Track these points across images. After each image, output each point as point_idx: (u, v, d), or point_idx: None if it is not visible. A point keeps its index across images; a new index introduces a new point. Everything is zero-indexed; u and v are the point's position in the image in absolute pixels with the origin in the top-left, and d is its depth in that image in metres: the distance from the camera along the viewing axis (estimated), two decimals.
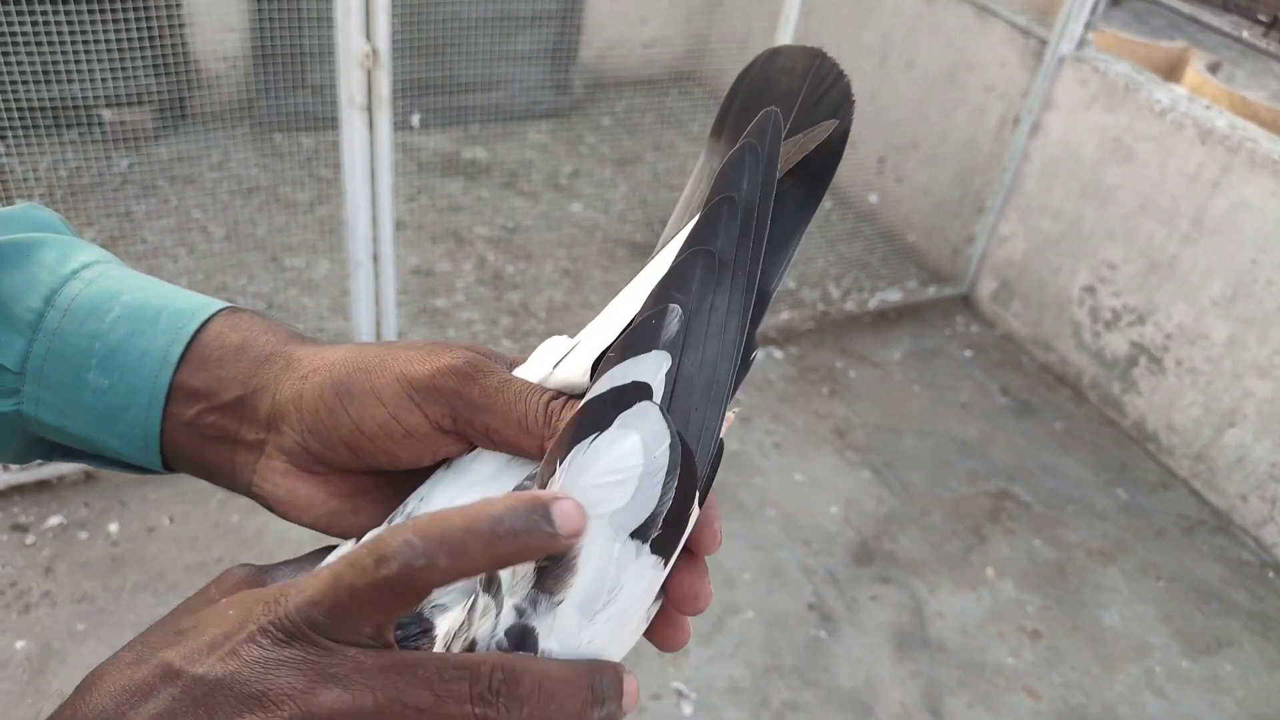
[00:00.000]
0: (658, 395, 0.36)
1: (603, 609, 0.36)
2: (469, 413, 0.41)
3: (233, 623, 0.35)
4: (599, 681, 0.36)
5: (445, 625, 0.36)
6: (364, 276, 2.50)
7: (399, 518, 0.42)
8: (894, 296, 3.67)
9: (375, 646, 0.34)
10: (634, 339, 0.38)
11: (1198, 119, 2.90)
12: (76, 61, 2.65)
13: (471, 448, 0.43)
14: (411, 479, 0.44)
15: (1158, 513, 2.96)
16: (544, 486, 0.37)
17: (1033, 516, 2.86)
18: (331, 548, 0.44)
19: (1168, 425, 3.11)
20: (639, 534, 0.36)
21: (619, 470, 0.35)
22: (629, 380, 0.37)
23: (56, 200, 3.30)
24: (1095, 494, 2.98)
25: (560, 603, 0.35)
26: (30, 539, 2.32)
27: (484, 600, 0.35)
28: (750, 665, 2.31)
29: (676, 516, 0.36)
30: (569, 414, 0.39)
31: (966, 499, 2.89)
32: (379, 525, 0.43)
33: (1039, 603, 2.60)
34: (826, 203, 4.11)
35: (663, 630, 0.41)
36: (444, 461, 0.44)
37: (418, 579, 0.32)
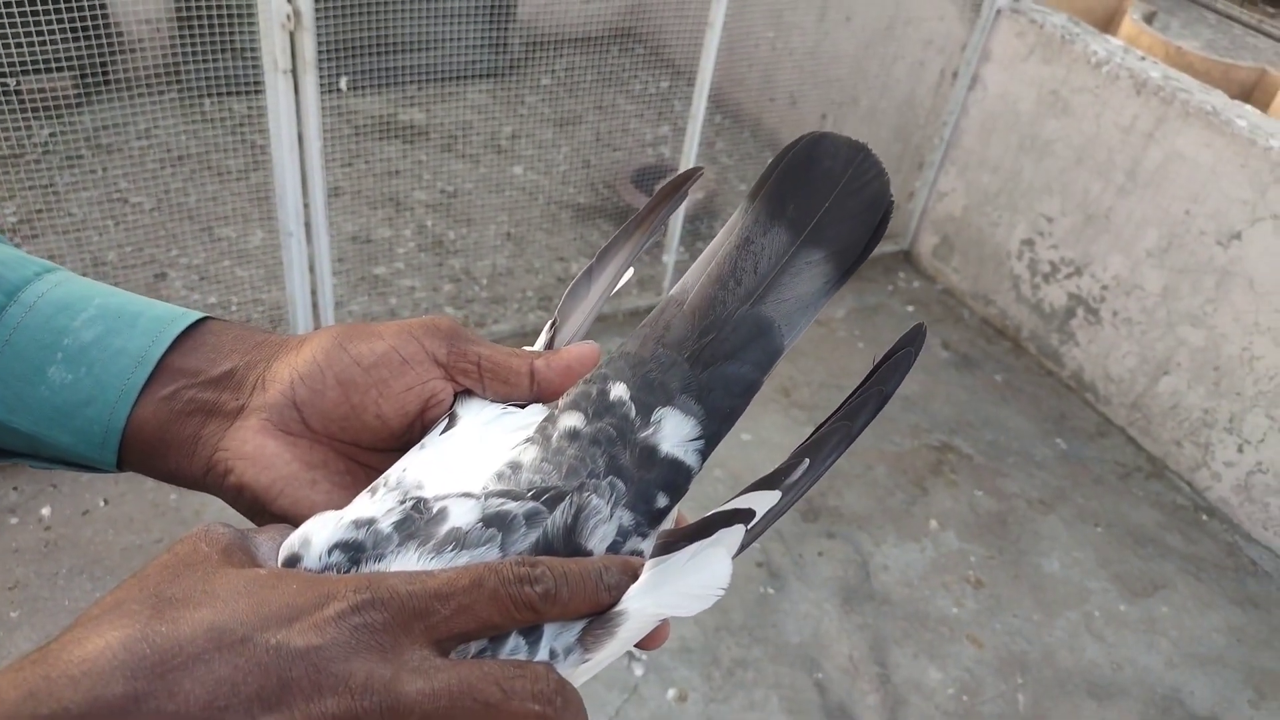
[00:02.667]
0: (755, 519, 0.41)
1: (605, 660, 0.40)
2: (463, 344, 0.46)
3: (306, 597, 0.34)
4: None
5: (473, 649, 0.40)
6: (296, 246, 2.44)
7: (381, 489, 0.42)
8: None
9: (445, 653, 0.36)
10: (778, 475, 0.42)
11: (1133, 70, 2.92)
12: None
13: (452, 400, 0.47)
14: (371, 467, 0.46)
15: (1095, 461, 3.02)
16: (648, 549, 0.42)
17: (974, 468, 2.91)
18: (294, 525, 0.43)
19: (1105, 375, 3.17)
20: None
21: (710, 589, 0.39)
22: (748, 507, 0.41)
23: None
24: (1035, 444, 3.04)
25: (588, 661, 0.39)
26: None
27: (514, 641, 0.38)
28: (700, 624, 2.33)
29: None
30: (556, 361, 0.47)
31: (909, 453, 2.93)
32: (330, 503, 0.44)
33: (981, 553, 2.65)
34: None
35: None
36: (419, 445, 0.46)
37: (549, 606, 0.36)
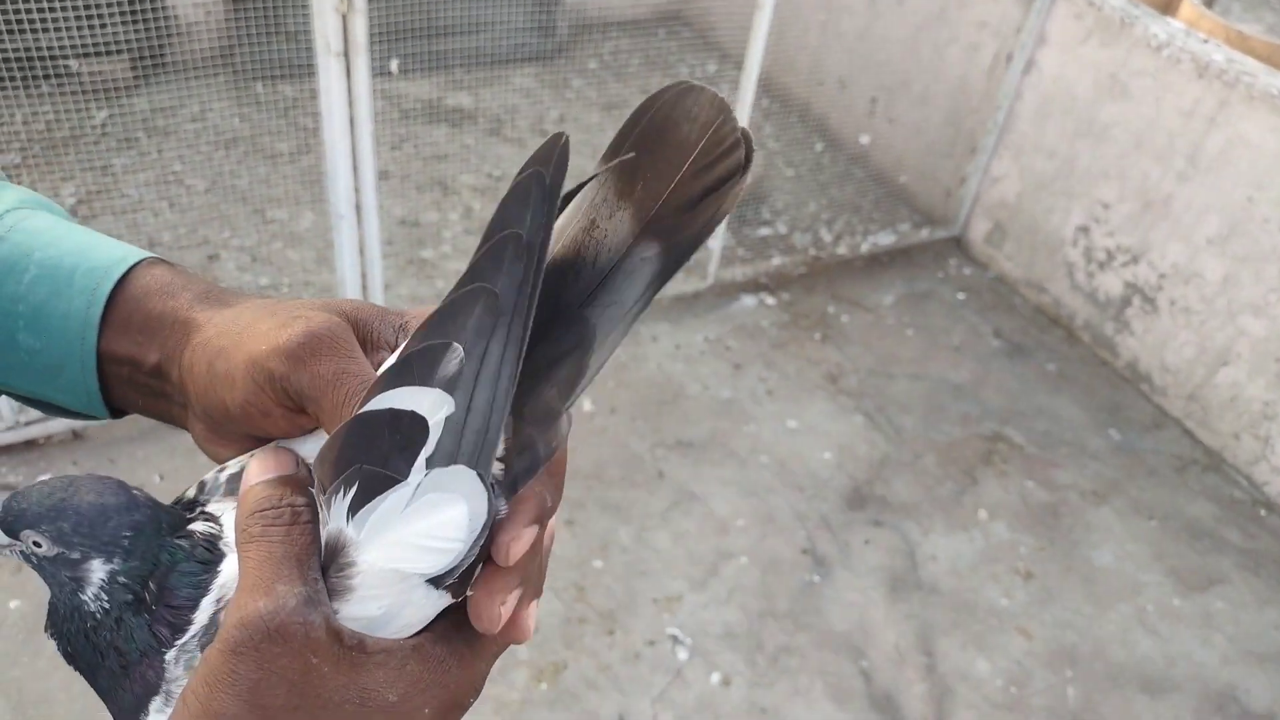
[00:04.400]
0: (433, 438, 0.34)
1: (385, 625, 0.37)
2: (299, 400, 0.40)
3: None
4: None
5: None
6: (347, 229, 2.45)
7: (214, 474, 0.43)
8: (886, 240, 3.64)
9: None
10: (411, 366, 0.35)
11: (1195, 53, 2.84)
12: (51, 11, 2.58)
13: None
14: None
15: (1150, 453, 2.96)
16: (325, 508, 0.36)
17: (1025, 458, 2.86)
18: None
19: (1161, 365, 3.10)
20: (434, 581, 0.36)
21: (439, 539, 0.35)
22: (407, 409, 0.35)
23: (34, 154, 3.24)
24: (1088, 435, 2.98)
25: (342, 616, 0.36)
26: None
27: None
28: (745, 610, 2.32)
29: (471, 571, 0.36)
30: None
31: (959, 442, 2.89)
32: None
33: (1031, 544, 2.61)
34: (818, 145, 4.04)
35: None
36: None
37: None
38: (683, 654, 2.21)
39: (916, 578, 2.48)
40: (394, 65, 3.20)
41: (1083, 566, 2.57)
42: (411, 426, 0.34)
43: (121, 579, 0.40)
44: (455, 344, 0.35)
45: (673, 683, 2.16)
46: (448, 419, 0.35)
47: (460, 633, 0.38)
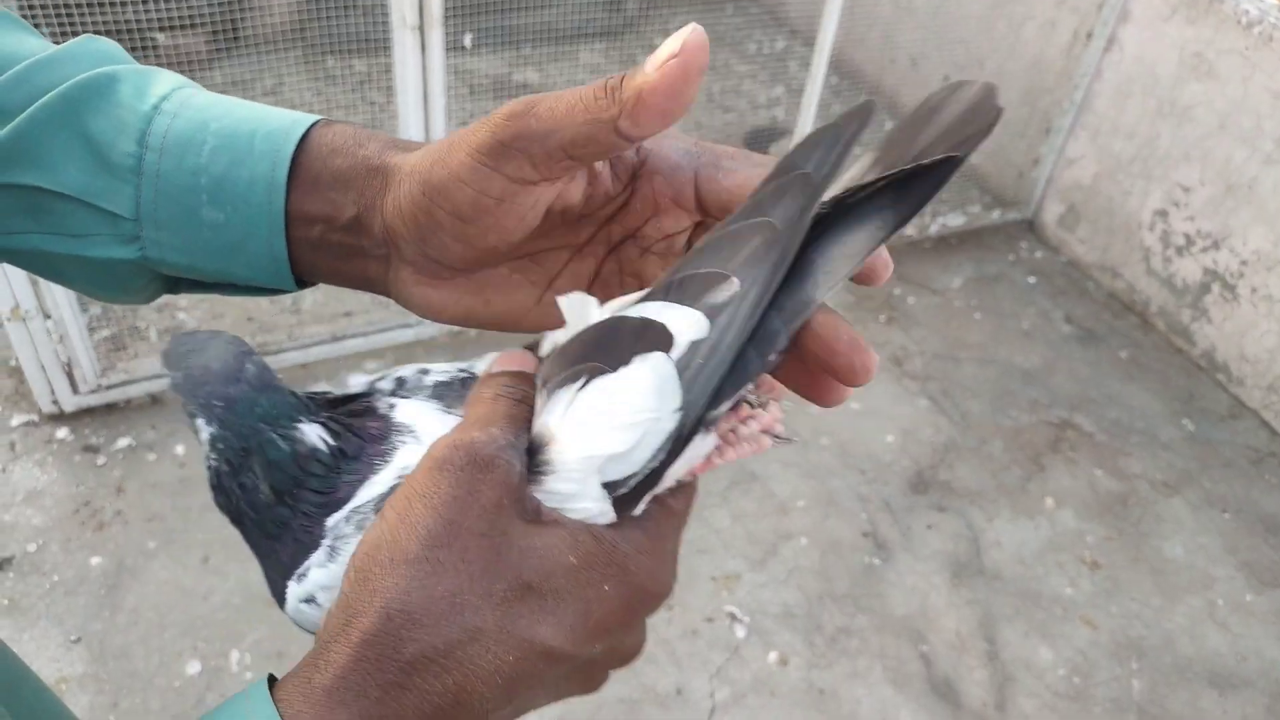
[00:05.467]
0: (676, 354, 0.35)
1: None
2: (539, 147, 0.39)
3: (613, 605, 0.37)
4: None
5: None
6: None
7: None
8: (956, 221, 3.58)
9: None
10: (685, 286, 0.36)
11: None
12: None
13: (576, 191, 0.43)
14: (523, 256, 0.45)
15: (1225, 444, 2.88)
16: (544, 380, 0.39)
17: (1095, 446, 2.81)
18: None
19: (1239, 354, 3.01)
20: (609, 487, 0.37)
21: (636, 413, 0.35)
22: (660, 320, 0.35)
23: None
24: (1160, 424, 2.91)
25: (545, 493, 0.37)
26: (101, 460, 2.39)
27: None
28: (804, 590, 2.32)
29: (646, 485, 0.37)
30: (629, 83, 0.37)
31: (1027, 428, 2.84)
32: (515, 309, 0.46)
33: (1099, 533, 2.56)
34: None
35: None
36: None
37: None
38: (740, 632, 2.22)
39: (979, 564, 2.45)
40: (468, 40, 3.22)
41: (1152, 558, 2.52)
42: (658, 338, 0.35)
43: (220, 445, 0.41)
44: (734, 278, 0.35)
45: (730, 660, 2.17)
46: (695, 342, 0.35)
47: (639, 526, 0.39)
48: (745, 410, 0.39)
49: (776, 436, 0.40)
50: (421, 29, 2.15)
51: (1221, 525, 2.63)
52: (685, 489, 0.40)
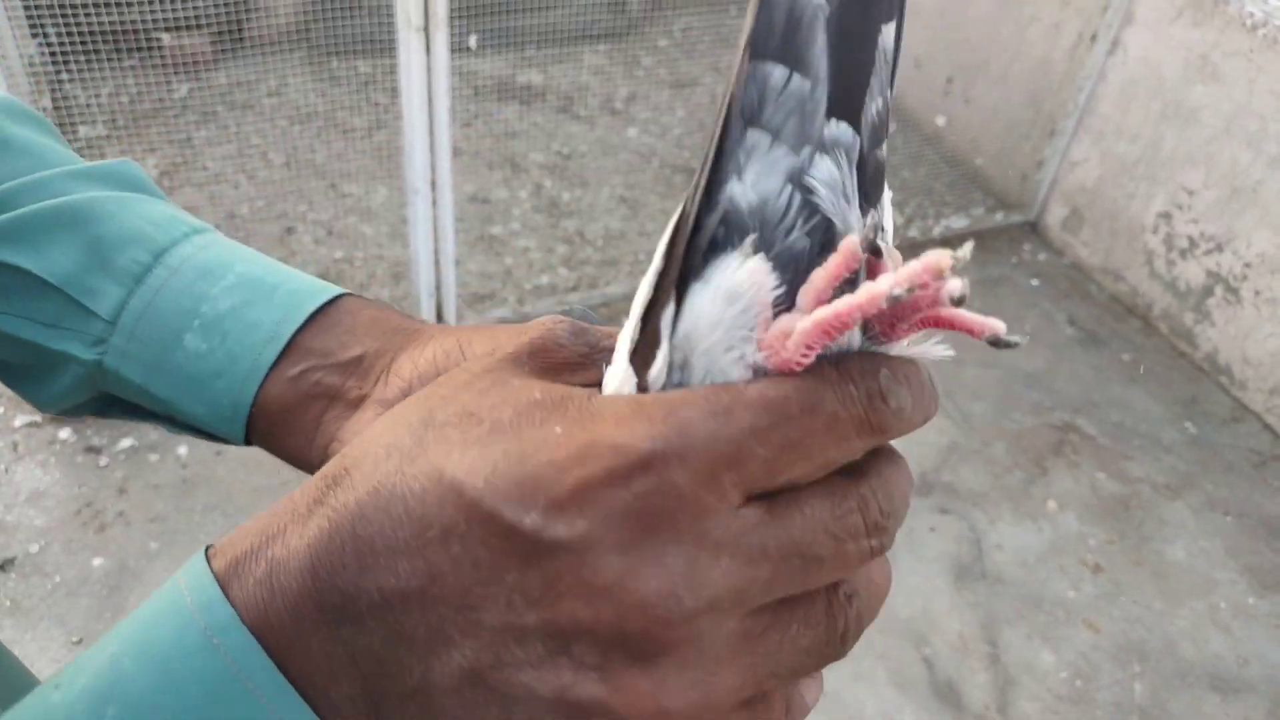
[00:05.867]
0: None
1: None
2: (573, 371, 0.36)
3: (560, 454, 0.26)
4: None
5: None
6: (422, 204, 2.49)
7: None
8: (959, 223, 3.58)
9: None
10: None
11: None
12: None
13: None
14: None
15: (1228, 447, 2.88)
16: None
17: (1097, 449, 2.80)
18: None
19: (1242, 358, 3.01)
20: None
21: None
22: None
23: (119, 127, 3.33)
24: (1163, 427, 2.91)
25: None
26: (104, 461, 2.40)
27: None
28: None
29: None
30: None
31: (1029, 431, 2.84)
32: None
33: (1101, 536, 2.56)
34: (891, 125, 4.02)
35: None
36: None
37: (895, 424, 0.28)
38: None
39: (982, 567, 2.45)
40: (472, 41, 3.23)
41: (1154, 561, 2.52)
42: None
43: None
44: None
45: None
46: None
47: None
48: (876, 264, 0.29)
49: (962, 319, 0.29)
50: (426, 30, 2.16)
51: (1224, 529, 2.63)
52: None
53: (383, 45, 2.68)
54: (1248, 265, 2.95)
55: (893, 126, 0.30)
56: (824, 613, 0.29)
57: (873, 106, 0.29)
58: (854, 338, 0.29)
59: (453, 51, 2.26)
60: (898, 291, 0.25)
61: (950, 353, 0.31)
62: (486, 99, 3.89)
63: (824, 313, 0.27)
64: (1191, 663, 2.30)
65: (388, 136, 3.46)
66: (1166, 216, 3.18)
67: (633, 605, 0.25)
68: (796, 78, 0.28)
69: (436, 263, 2.64)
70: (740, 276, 0.28)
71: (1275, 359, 2.91)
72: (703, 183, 0.28)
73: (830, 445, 0.26)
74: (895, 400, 0.28)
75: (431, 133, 2.35)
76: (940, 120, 3.89)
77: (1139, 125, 3.21)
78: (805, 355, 0.27)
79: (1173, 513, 2.65)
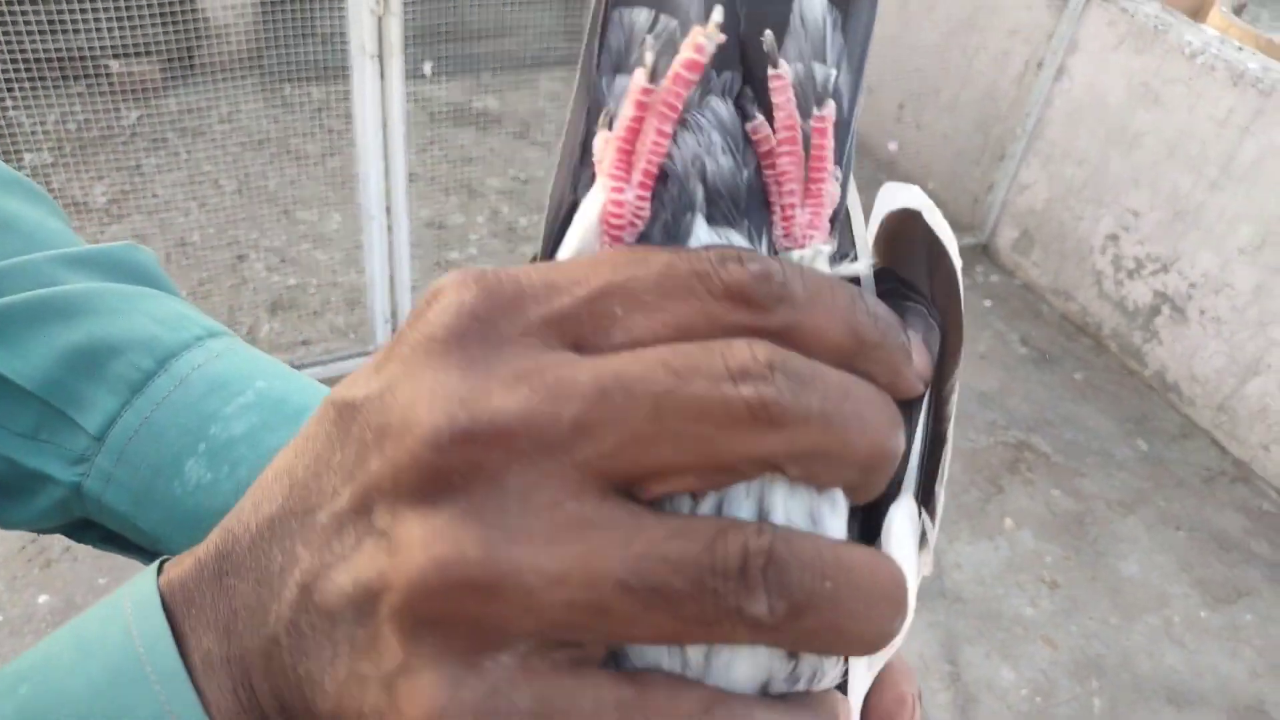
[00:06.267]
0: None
1: None
2: None
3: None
4: None
5: None
6: (377, 230, 2.47)
7: None
8: None
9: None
10: None
11: (1230, 61, 2.82)
12: (82, 12, 2.61)
13: None
14: None
15: (1178, 463, 2.94)
16: None
17: (1051, 467, 2.84)
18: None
19: (1190, 375, 3.08)
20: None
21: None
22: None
23: (66, 154, 3.27)
24: (1115, 444, 2.96)
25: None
26: None
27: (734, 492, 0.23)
28: None
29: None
30: None
31: (985, 450, 2.87)
32: None
33: (1057, 553, 2.59)
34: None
35: None
36: None
37: (776, 308, 0.22)
38: None
39: (941, 586, 2.46)
40: (427, 68, 3.22)
41: (1109, 577, 2.55)
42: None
43: None
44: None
45: None
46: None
47: None
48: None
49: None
50: (381, 57, 2.15)
51: (1176, 543, 2.67)
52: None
53: (337, 71, 2.66)
54: (1192, 285, 3.02)
55: (860, 100, 0.28)
56: (709, 525, 0.20)
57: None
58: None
59: (408, 78, 2.26)
60: (701, 40, 0.24)
61: (863, 268, 0.27)
62: (442, 125, 3.88)
63: (640, 77, 0.25)
64: (1147, 676, 2.33)
65: (342, 163, 3.43)
66: (1114, 238, 3.25)
67: (413, 436, 0.20)
68: (663, 18, 0.26)
69: (392, 289, 2.62)
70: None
71: (1221, 376, 2.98)
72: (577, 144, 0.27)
73: (667, 300, 0.22)
74: (761, 267, 0.22)
75: (386, 158, 2.33)
76: (892, 146, 3.95)
77: (1085, 149, 3.29)
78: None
79: (1126, 528, 2.69)
